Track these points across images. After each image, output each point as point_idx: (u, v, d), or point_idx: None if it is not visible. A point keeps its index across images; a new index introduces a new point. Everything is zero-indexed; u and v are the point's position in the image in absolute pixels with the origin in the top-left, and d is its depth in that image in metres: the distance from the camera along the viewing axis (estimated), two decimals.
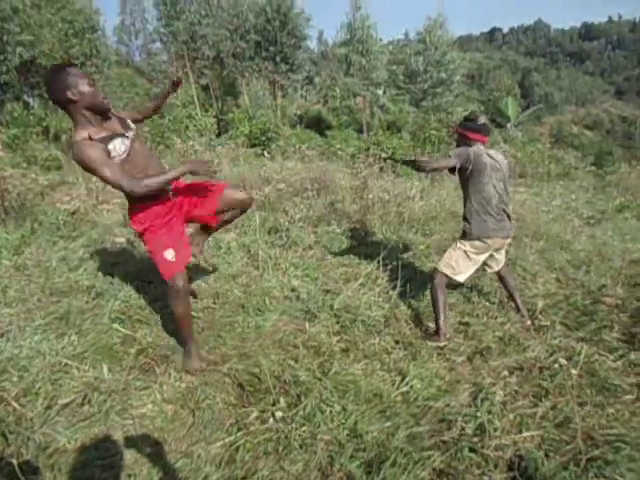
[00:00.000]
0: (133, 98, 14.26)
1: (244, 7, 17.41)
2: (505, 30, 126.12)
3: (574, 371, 2.43)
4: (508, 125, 24.11)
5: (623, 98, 79.03)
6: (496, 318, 3.40)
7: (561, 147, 13.80)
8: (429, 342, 3.06)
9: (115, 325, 3.14)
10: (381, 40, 25.33)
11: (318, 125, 20.78)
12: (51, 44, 12.27)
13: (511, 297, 3.50)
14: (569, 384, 2.49)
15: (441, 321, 3.09)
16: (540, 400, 2.47)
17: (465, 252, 3.13)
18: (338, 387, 2.55)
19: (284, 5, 17.08)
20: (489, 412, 2.32)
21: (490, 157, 3.09)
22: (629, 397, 2.51)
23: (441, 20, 19.69)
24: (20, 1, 11.81)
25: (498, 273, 3.46)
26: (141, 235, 2.78)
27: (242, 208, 3.10)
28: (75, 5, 13.94)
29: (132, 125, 2.68)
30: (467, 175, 3.07)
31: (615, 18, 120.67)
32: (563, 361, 2.49)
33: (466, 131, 3.13)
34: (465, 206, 3.17)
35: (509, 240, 3.30)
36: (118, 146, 2.46)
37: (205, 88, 20.77)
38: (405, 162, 3.36)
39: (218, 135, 13.65)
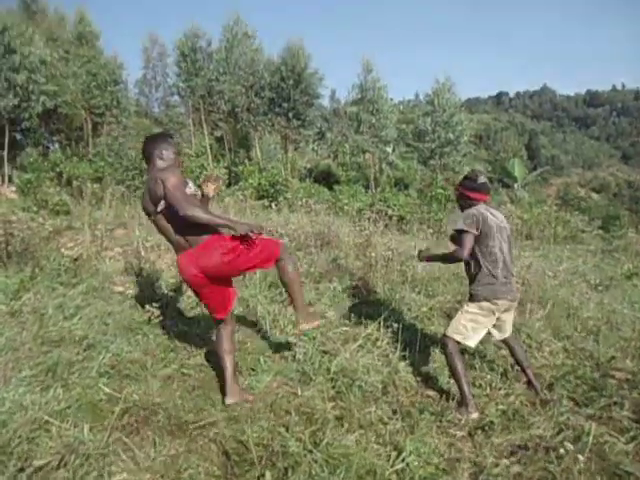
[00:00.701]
0: None
1: (260, 66, 18.26)
2: (512, 94, 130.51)
3: (581, 457, 2.26)
4: (515, 185, 24.41)
5: (629, 163, 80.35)
6: (500, 389, 3.25)
7: (568, 209, 13.83)
8: (458, 415, 2.88)
9: (100, 384, 3.02)
10: (392, 100, 26.26)
11: (327, 179, 21.17)
12: (74, 94, 12.84)
13: (521, 368, 3.31)
14: (577, 469, 2.32)
15: (466, 389, 2.93)
16: None
17: (473, 315, 3.04)
18: (329, 461, 2.40)
19: (298, 65, 17.89)
20: None
21: (494, 217, 3.07)
22: None
23: (449, 84, 20.48)
24: (48, 54, 12.50)
25: (505, 341, 3.32)
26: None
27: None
28: (100, 60, 14.71)
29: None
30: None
31: (619, 87, 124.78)
32: (570, 446, 2.33)
33: (466, 190, 3.12)
34: (471, 268, 3.10)
35: (516, 303, 3.22)
36: (191, 185, 2.88)
37: (219, 139, 21.45)
38: (437, 258, 3.37)
39: (229, 185, 13.91)
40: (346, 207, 9.36)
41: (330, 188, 17.82)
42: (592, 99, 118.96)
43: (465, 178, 3.21)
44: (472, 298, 3.07)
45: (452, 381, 3.23)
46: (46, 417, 2.63)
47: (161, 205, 2.75)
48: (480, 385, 3.31)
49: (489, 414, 2.92)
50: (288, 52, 18.19)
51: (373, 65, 20.70)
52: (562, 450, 2.33)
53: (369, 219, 7.69)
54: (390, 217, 8.37)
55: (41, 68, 12.10)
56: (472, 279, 3.10)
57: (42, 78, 12.18)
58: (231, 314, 3.07)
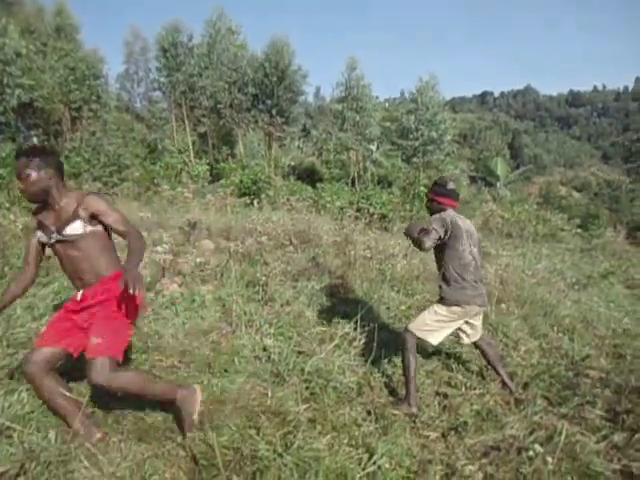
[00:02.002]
0: (128, 143, 14.46)
1: (244, 62, 18.06)
2: (496, 94, 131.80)
3: (550, 459, 2.25)
4: (498, 184, 24.65)
5: (609, 163, 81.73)
6: (475, 389, 3.24)
7: (548, 208, 13.99)
8: (398, 410, 2.91)
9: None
10: (378, 98, 26.23)
11: (312, 177, 21.10)
12: (51, 88, 12.53)
13: (494, 370, 3.33)
14: (547, 470, 2.31)
15: (412, 387, 2.96)
16: None
17: (441, 317, 3.05)
18: (300, 464, 2.35)
19: (282, 62, 17.75)
20: None
21: (463, 222, 3.09)
22: None
23: (433, 82, 20.54)
24: (24, 46, 12.17)
25: (476, 344, 3.33)
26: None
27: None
28: (79, 53, 14.39)
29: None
30: (444, 241, 3.02)
31: (600, 87, 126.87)
32: (539, 448, 2.32)
33: (437, 196, 3.14)
34: (441, 272, 3.11)
35: (485, 308, 3.21)
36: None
37: (202, 136, 21.20)
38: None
39: (211, 182, 13.76)
40: (328, 205, 9.31)
41: (314, 186, 17.76)
42: (574, 99, 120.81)
43: (435, 184, 3.22)
44: (443, 301, 3.08)
45: (427, 381, 3.22)
46: (7, 423, 2.54)
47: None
48: (455, 384, 3.31)
49: (463, 414, 2.91)
50: (272, 48, 18.04)
51: (357, 63, 20.68)
52: (530, 452, 2.31)
53: (350, 217, 7.66)
54: (372, 215, 8.34)
55: (16, 60, 11.82)
56: (442, 282, 3.10)
57: (17, 71, 11.88)
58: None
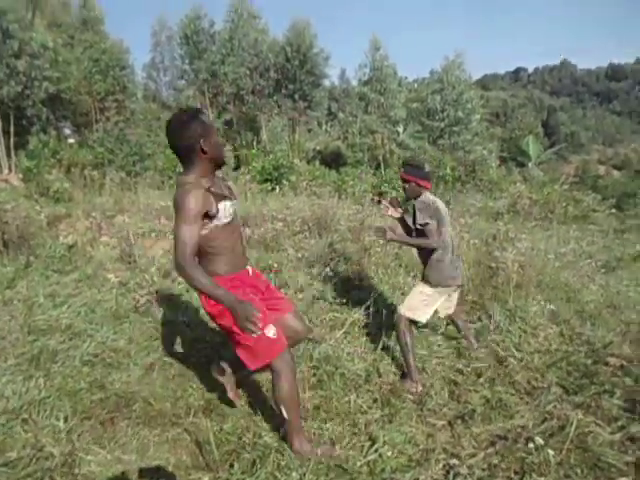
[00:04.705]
0: (154, 132, 14.67)
1: (264, 47, 17.94)
2: (530, 70, 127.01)
3: (550, 451, 2.18)
4: (529, 164, 23.83)
5: None
6: (483, 376, 3.17)
7: (582, 188, 13.45)
8: (402, 386, 3.02)
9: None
10: (407, 78, 25.61)
11: (337, 161, 20.94)
12: (77, 80, 12.80)
13: (465, 337, 3.59)
14: (555, 461, 2.24)
15: (412, 363, 3.09)
16: (521, 478, 2.22)
17: (427, 297, 3.19)
18: None
19: (304, 45, 17.54)
20: None
21: (441, 204, 3.16)
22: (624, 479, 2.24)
23: (459, 61, 19.91)
24: (50, 40, 12.45)
25: (450, 318, 3.60)
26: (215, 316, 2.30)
27: (294, 339, 2.58)
28: (103, 45, 14.62)
29: (236, 195, 2.47)
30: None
31: None
32: (539, 440, 2.25)
33: (417, 178, 3.14)
34: (424, 253, 3.22)
35: (463, 285, 3.51)
36: (227, 208, 2.25)
37: (228, 123, 21.31)
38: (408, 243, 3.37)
39: (236, 169, 13.84)
40: (349, 189, 9.22)
41: (338, 170, 17.63)
42: (614, 73, 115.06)
43: (411, 165, 3.20)
44: (426, 281, 3.21)
45: (437, 368, 3.17)
46: (25, 406, 2.65)
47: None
48: (467, 372, 3.24)
49: (472, 402, 2.85)
50: (293, 32, 17.83)
51: (381, 43, 20.21)
52: (531, 444, 2.24)
53: (372, 201, 7.57)
54: (392, 199, 8.20)
55: (43, 54, 12.11)
56: (425, 263, 3.23)
57: (45, 64, 12.20)
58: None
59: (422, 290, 3.20)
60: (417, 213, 3.08)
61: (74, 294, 4.30)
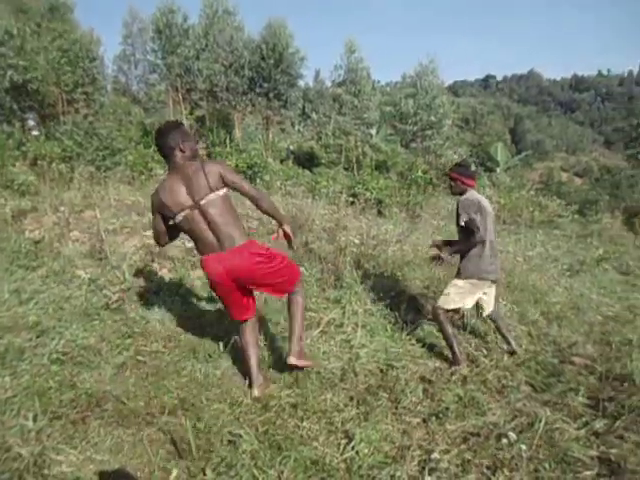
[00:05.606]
0: (124, 126, 14.30)
1: (240, 44, 17.77)
2: (499, 78, 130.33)
3: (523, 447, 2.26)
4: (497, 170, 24.43)
5: (611, 148, 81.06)
6: (456, 374, 3.25)
7: (547, 194, 13.92)
8: (451, 370, 3.27)
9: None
10: (379, 82, 25.84)
11: (311, 161, 20.94)
12: (44, 70, 12.36)
13: (504, 338, 3.70)
14: (525, 456, 2.32)
15: (456, 349, 3.32)
16: (493, 473, 2.29)
17: (460, 289, 3.36)
18: (278, 450, 2.37)
19: (280, 44, 17.47)
20: None
21: (486, 202, 3.37)
22: (589, 473, 2.33)
23: (432, 66, 20.28)
24: (14, 26, 11.99)
25: (491, 317, 3.68)
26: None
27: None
28: (73, 34, 14.16)
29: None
30: None
31: (604, 72, 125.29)
32: (513, 436, 2.33)
33: (462, 177, 3.39)
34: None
35: (497, 280, 3.54)
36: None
37: (200, 119, 20.98)
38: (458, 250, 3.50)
39: None
40: (323, 190, 9.24)
41: (312, 170, 17.63)
42: (578, 84, 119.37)
43: (459, 165, 3.52)
44: (460, 274, 3.39)
45: (412, 367, 3.22)
46: None
47: (211, 196, 2.67)
48: (440, 369, 3.32)
49: (445, 400, 2.91)
50: (269, 30, 17.74)
51: (356, 46, 20.36)
52: (504, 440, 2.31)
53: (346, 202, 7.61)
54: (366, 200, 8.29)
55: (8, 41, 11.64)
56: (462, 257, 3.40)
57: (9, 52, 11.72)
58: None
59: (455, 283, 3.40)
60: (461, 211, 3.28)
61: (41, 290, 4.14)
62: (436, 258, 3.51)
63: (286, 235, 3.00)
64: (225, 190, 2.74)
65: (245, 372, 3.02)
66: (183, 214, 2.69)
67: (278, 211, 3.03)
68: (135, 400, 2.76)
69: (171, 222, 2.78)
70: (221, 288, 2.81)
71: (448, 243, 3.67)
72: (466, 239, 3.34)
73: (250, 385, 2.93)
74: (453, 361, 3.37)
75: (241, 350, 3.04)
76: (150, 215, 2.95)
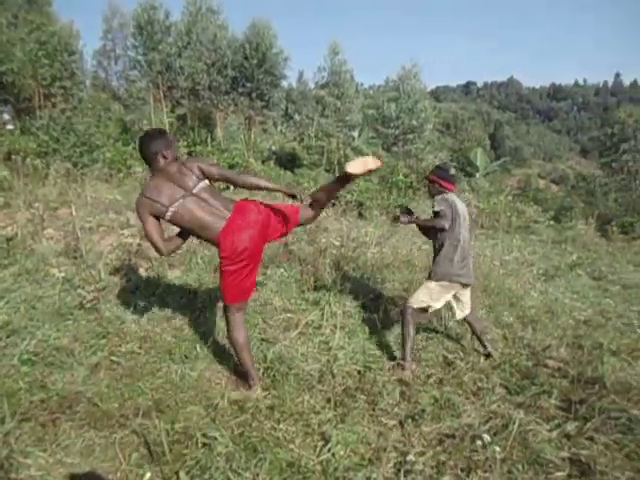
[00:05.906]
0: (103, 123, 14.05)
1: (223, 43, 17.63)
2: (480, 84, 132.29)
3: (497, 448, 2.29)
4: (477, 175, 24.83)
5: (587, 157, 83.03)
6: (433, 376, 3.28)
7: (524, 200, 14.19)
8: (394, 375, 3.20)
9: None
10: (362, 85, 25.95)
11: (292, 162, 20.89)
12: (21, 63, 12.04)
13: (479, 341, 3.72)
14: (499, 457, 2.35)
15: (408, 353, 3.29)
16: (468, 475, 2.31)
17: (431, 290, 3.39)
18: (254, 452, 2.35)
19: (263, 44, 17.41)
20: None
21: (461, 205, 3.40)
22: (560, 474, 2.38)
23: (415, 70, 20.49)
24: None
25: (466, 320, 3.70)
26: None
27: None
28: (51, 27, 13.84)
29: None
30: None
31: (581, 82, 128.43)
32: (487, 437, 2.36)
33: (440, 180, 3.42)
34: (436, 249, 3.44)
35: (470, 285, 3.53)
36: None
37: (182, 118, 20.74)
38: (419, 221, 3.55)
39: None
40: (305, 191, 9.22)
41: (294, 171, 17.59)
42: (556, 93, 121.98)
43: (438, 168, 3.55)
44: (431, 276, 3.42)
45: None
46: None
47: (201, 184, 2.74)
48: (416, 374, 3.33)
49: (422, 403, 2.93)
50: (253, 30, 17.65)
51: (340, 48, 20.43)
52: (479, 442, 2.34)
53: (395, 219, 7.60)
54: (347, 202, 8.32)
55: None
56: (434, 260, 3.45)
57: None
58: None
59: (427, 285, 3.42)
60: (435, 203, 3.33)
61: (13, 289, 4.03)
62: (397, 218, 3.56)
63: (291, 195, 2.85)
64: (207, 181, 2.79)
65: (241, 371, 3.00)
66: (176, 205, 2.67)
67: (269, 181, 2.98)
68: (108, 402, 2.71)
69: (162, 219, 2.75)
70: (249, 253, 2.72)
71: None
72: (435, 232, 3.40)
73: (250, 385, 2.91)
74: (401, 359, 3.35)
75: (237, 346, 2.88)
76: (134, 218, 2.96)
